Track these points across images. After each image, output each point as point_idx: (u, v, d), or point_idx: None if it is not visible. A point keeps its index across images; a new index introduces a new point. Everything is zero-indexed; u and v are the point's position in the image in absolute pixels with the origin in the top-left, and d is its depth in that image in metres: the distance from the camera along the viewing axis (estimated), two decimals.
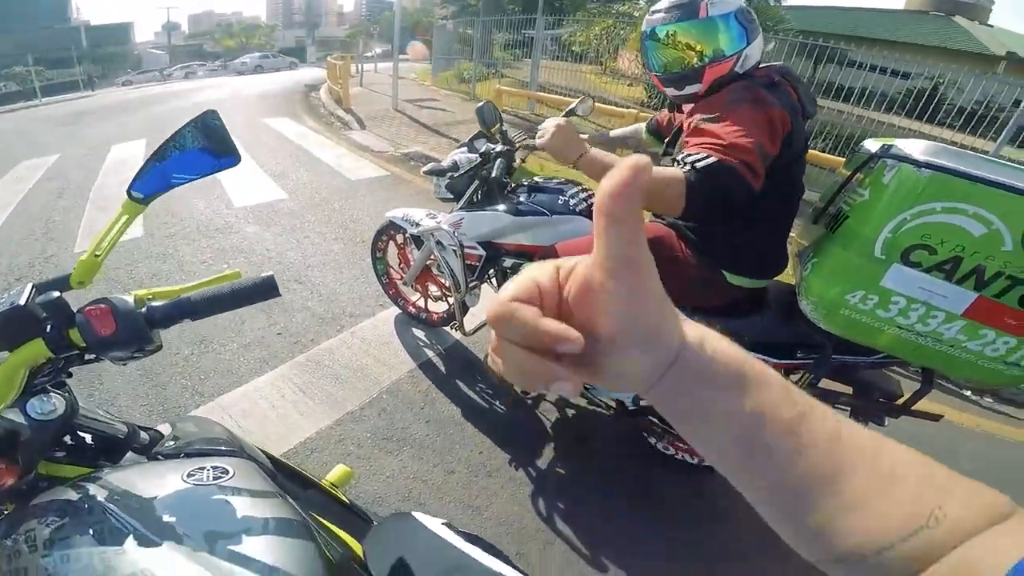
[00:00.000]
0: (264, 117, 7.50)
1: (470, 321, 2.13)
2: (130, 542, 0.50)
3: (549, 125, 1.29)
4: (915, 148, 1.08)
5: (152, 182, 0.60)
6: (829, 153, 4.87)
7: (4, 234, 4.00)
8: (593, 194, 1.74)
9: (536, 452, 1.89)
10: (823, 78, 5.85)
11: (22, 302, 0.53)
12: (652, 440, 1.82)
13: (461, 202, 1.82)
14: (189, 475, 0.58)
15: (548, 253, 1.54)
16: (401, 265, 2.43)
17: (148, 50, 45.43)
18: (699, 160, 1.11)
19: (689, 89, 1.35)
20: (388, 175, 5.09)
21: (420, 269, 2.20)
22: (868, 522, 0.24)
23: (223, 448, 0.71)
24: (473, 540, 0.64)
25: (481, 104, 1.84)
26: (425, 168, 1.88)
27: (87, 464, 0.65)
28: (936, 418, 1.53)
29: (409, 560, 0.61)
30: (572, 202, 1.69)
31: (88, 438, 0.68)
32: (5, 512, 0.61)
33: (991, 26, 16.96)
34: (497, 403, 2.10)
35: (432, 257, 2.04)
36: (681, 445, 1.83)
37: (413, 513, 0.69)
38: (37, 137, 9.23)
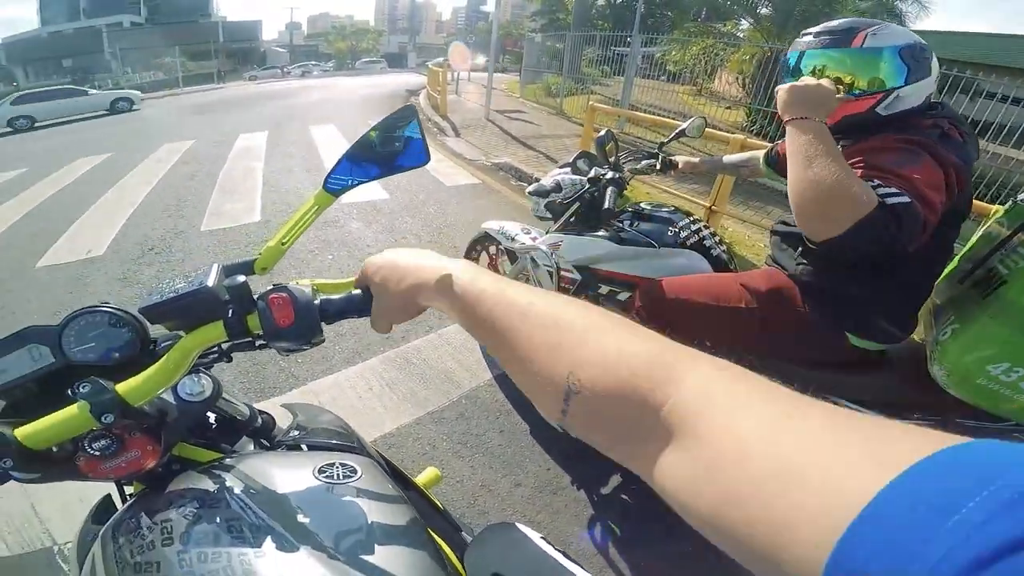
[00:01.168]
0: (370, 118, 7.98)
1: None
2: (269, 544, 0.49)
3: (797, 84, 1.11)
4: None
5: (344, 176, 0.59)
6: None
7: (143, 208, 4.59)
8: (705, 226, 1.68)
9: (601, 477, 1.86)
10: (959, 112, 5.22)
11: (210, 283, 0.52)
12: None
13: (559, 223, 1.80)
14: (320, 471, 0.58)
15: (651, 287, 1.47)
16: None
17: (272, 48, 49.87)
18: (891, 195, 0.95)
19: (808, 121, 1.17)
20: (480, 183, 5.25)
21: None
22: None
23: (345, 443, 0.71)
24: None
25: (602, 132, 1.79)
26: (529, 188, 1.89)
27: (210, 446, 0.66)
28: None
29: (510, 573, 0.59)
30: (683, 234, 1.62)
31: (212, 419, 0.69)
32: (132, 496, 0.62)
33: None
34: None
35: (525, 273, 2.05)
36: None
37: (517, 524, 0.67)
38: (178, 123, 10.49)
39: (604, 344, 0.34)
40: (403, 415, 2.03)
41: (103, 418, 0.48)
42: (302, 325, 0.51)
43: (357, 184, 0.59)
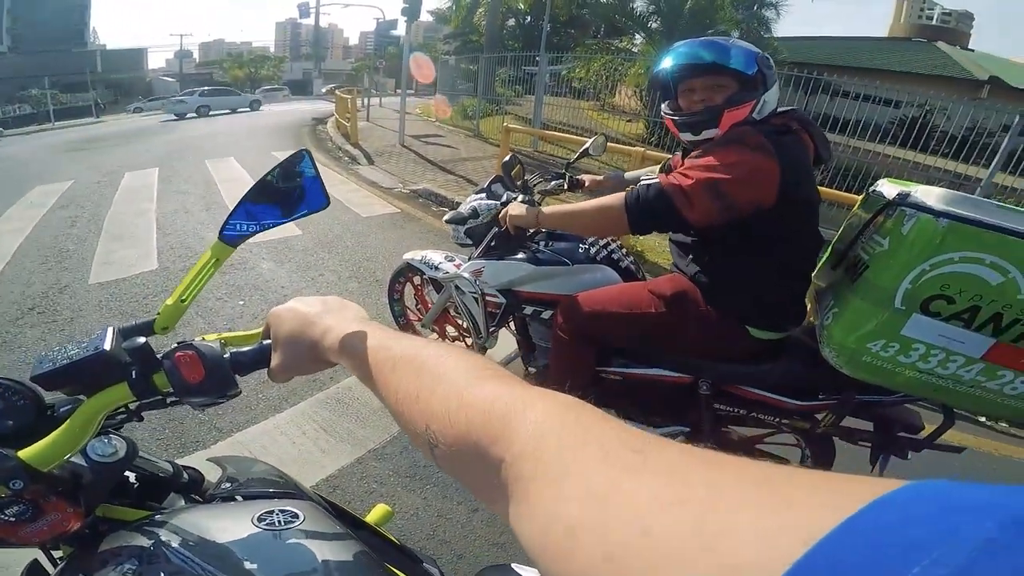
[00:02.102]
0: (274, 150, 7.63)
1: None
2: None
3: (504, 212, 1.57)
4: (932, 196, 1.08)
5: (242, 224, 0.57)
6: (829, 186, 4.84)
7: (17, 262, 4.01)
8: (613, 240, 1.78)
9: None
10: (817, 109, 5.88)
11: (107, 347, 0.51)
12: None
13: (480, 249, 1.83)
14: (259, 519, 0.56)
15: (569, 303, 1.55)
16: (418, 306, 2.43)
17: (160, 77, 46.24)
18: (647, 186, 1.27)
19: (706, 134, 1.34)
20: (398, 212, 5.16)
21: (439, 312, 2.21)
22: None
23: (281, 490, 0.69)
24: None
25: (507, 158, 1.87)
26: (446, 217, 1.90)
27: (135, 505, 0.64)
28: (959, 450, 1.55)
29: None
30: (592, 250, 1.71)
31: (132, 477, 0.67)
32: (62, 559, 0.59)
33: (972, 51, 16.91)
34: None
35: (450, 301, 2.05)
36: None
37: (513, 565, 0.67)
38: (50, 162, 9.36)
39: (449, 393, 0.33)
40: (343, 456, 1.95)
41: (11, 484, 0.46)
42: (214, 380, 0.51)
43: (255, 232, 0.58)
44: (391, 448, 2.02)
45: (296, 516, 0.58)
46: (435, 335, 2.42)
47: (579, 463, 0.23)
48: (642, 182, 1.34)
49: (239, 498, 0.67)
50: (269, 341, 0.53)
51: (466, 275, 1.81)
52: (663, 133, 7.14)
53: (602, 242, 1.75)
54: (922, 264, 1.06)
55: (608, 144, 2.94)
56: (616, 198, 1.32)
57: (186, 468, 0.72)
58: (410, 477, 1.88)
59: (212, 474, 0.76)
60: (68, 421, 0.49)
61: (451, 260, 1.98)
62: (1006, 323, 1.05)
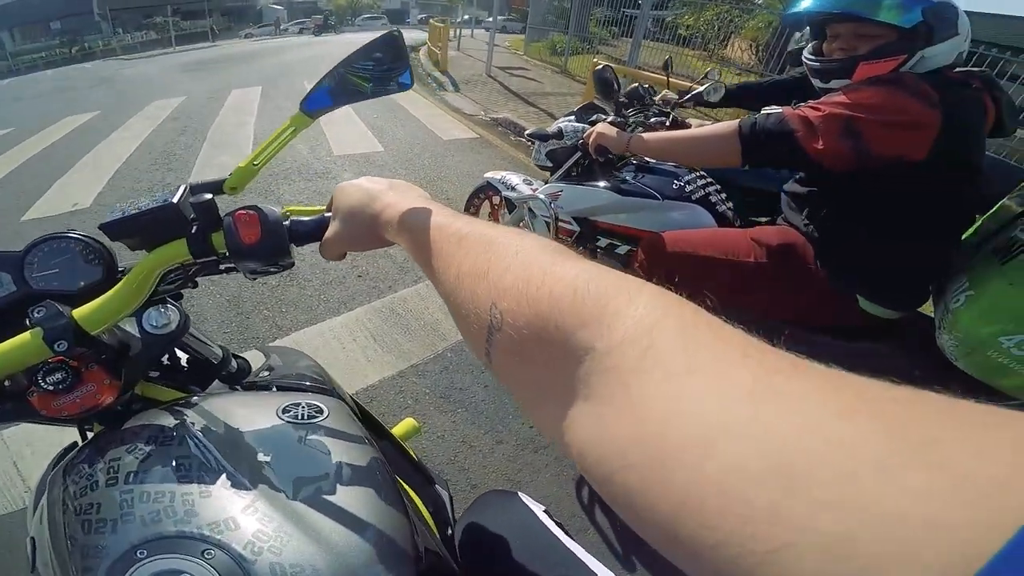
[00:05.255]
0: None
1: None
2: (219, 483, 0.46)
3: (591, 132, 1.41)
4: None
5: (323, 98, 0.55)
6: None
7: (131, 163, 4.47)
8: (712, 182, 1.59)
9: None
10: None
11: (176, 200, 0.50)
12: None
13: (559, 172, 1.72)
14: (284, 411, 0.55)
15: (654, 240, 1.40)
16: None
17: (269, 5, 48.23)
18: (768, 114, 1.12)
19: (835, 83, 1.15)
20: (477, 138, 5.09)
21: None
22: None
23: (316, 385, 0.68)
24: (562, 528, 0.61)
25: (601, 67, 1.69)
26: (529, 131, 1.78)
27: (178, 387, 0.63)
28: None
29: (508, 540, 0.58)
30: (688, 188, 1.53)
31: (183, 359, 0.66)
32: (91, 433, 0.58)
33: None
34: None
35: (522, 225, 1.97)
36: None
37: (520, 494, 0.66)
38: (168, 81, 10.21)
39: (529, 267, 0.27)
40: (386, 367, 1.99)
41: (56, 345, 0.46)
42: (269, 243, 0.50)
43: (337, 106, 0.56)
44: (433, 366, 2.02)
45: (320, 411, 0.57)
46: None
47: (714, 358, 0.18)
48: (763, 111, 1.17)
49: (274, 388, 0.67)
50: (330, 214, 0.50)
51: (541, 196, 1.71)
52: None
53: (700, 182, 1.56)
54: None
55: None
56: (729, 125, 1.16)
57: (237, 356, 0.72)
58: (444, 398, 1.88)
59: (259, 364, 0.76)
60: (124, 279, 0.49)
61: (529, 184, 1.90)
62: None
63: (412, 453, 0.80)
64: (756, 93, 1.80)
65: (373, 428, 0.73)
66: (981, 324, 1.04)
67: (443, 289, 0.33)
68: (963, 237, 1.21)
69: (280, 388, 0.66)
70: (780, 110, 1.12)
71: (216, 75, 10.58)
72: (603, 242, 1.65)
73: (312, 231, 0.52)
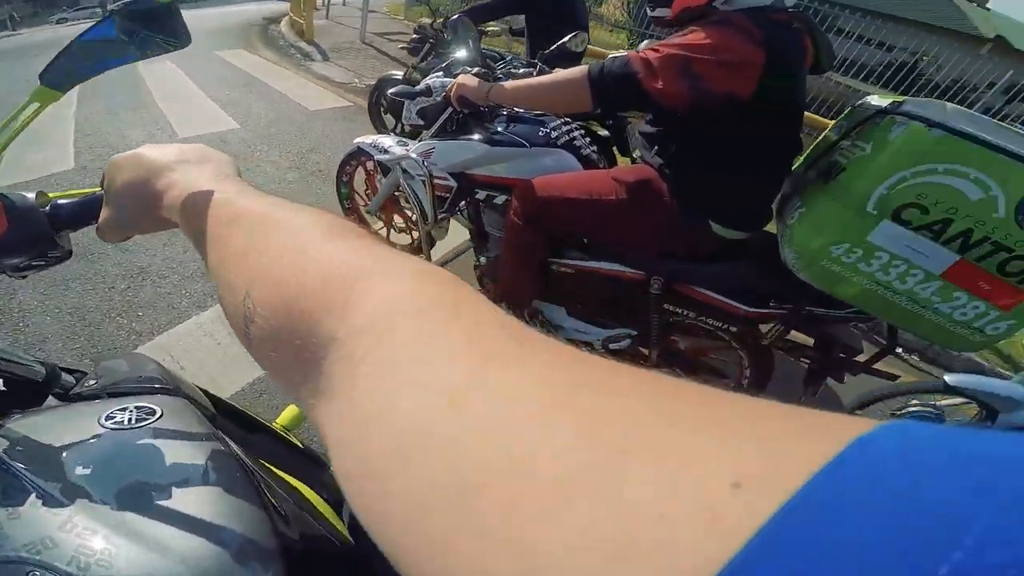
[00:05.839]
0: (216, 50, 6.67)
1: (435, 255, 2.04)
2: (30, 504, 0.43)
3: (452, 84, 1.44)
4: (928, 107, 1.06)
5: (71, 64, 0.46)
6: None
7: None
8: (577, 127, 1.64)
9: None
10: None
11: None
12: None
13: (432, 129, 1.68)
14: (107, 418, 0.51)
15: (525, 187, 1.45)
16: (368, 192, 2.29)
17: None
18: (614, 58, 1.19)
19: (659, 11, 1.29)
20: (351, 105, 4.75)
21: (385, 199, 2.07)
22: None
23: (151, 387, 0.63)
24: None
25: (454, 17, 1.67)
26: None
27: None
28: (894, 377, 1.57)
29: None
30: (554, 134, 1.58)
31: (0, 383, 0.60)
32: None
33: (988, 9, 17.19)
34: None
35: (400, 188, 1.91)
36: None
37: None
38: None
39: (282, 251, 0.24)
40: None
41: None
42: (21, 233, 0.45)
43: (94, 74, 0.48)
44: None
45: (152, 412, 0.53)
46: (380, 225, 2.29)
47: (435, 346, 0.17)
48: (610, 55, 1.23)
49: (106, 397, 0.62)
50: (102, 191, 0.43)
51: (414, 155, 1.67)
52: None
53: (565, 128, 1.62)
54: (904, 171, 1.05)
55: (588, 47, 2.72)
56: (579, 70, 1.23)
57: (71, 371, 0.67)
58: None
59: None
60: None
61: (403, 144, 1.83)
62: (974, 240, 1.05)
63: (296, 441, 0.77)
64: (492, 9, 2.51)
65: (243, 422, 0.70)
66: (812, 236, 1.18)
67: (212, 276, 0.28)
68: (795, 165, 1.37)
69: (111, 395, 0.61)
70: (625, 53, 1.20)
71: (25, 66, 8.64)
72: (482, 194, 1.66)
73: (81, 214, 0.47)
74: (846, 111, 1.33)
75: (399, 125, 3.70)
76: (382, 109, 3.65)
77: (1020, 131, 1.04)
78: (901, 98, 1.13)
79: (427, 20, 3.18)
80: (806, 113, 3.57)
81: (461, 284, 0.21)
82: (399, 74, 3.46)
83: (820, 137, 1.36)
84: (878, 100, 1.20)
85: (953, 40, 6.34)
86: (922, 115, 1.04)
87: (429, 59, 3.24)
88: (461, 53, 1.70)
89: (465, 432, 0.13)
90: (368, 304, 0.19)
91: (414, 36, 3.36)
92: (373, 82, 3.75)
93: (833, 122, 1.35)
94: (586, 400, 0.13)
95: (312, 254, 0.23)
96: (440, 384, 0.15)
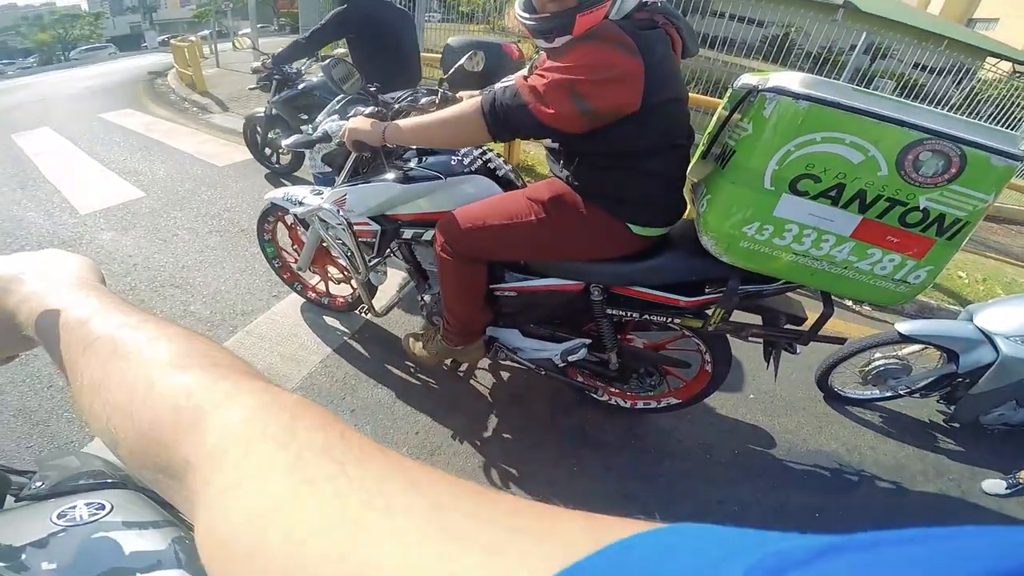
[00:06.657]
0: (101, 112, 6.21)
1: (380, 300, 1.99)
2: None
3: (346, 125, 1.40)
4: (791, 80, 1.10)
5: None
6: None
7: None
8: (489, 150, 1.63)
9: (477, 420, 1.86)
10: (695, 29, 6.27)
11: None
12: (584, 390, 1.87)
13: (342, 175, 1.62)
14: (59, 516, 0.53)
15: (447, 220, 1.43)
16: (294, 247, 2.19)
17: None
18: (505, 88, 1.18)
19: (559, 41, 1.18)
20: None
21: (313, 252, 1.99)
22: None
23: (100, 482, 0.63)
24: None
25: (326, 61, 1.59)
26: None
27: None
28: (841, 341, 1.65)
29: None
30: (467, 160, 1.56)
31: None
32: None
33: None
34: (427, 379, 2.02)
35: (324, 240, 1.83)
36: (612, 390, 1.88)
37: None
38: None
39: (136, 382, 0.26)
40: None
41: None
42: None
43: None
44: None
45: (102, 507, 0.54)
46: (317, 279, 2.20)
47: (260, 470, 0.20)
48: (500, 83, 1.22)
49: (56, 496, 0.62)
50: None
51: (327, 205, 1.60)
52: None
53: (477, 151, 1.60)
54: (786, 145, 1.09)
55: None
56: (472, 104, 1.21)
57: (22, 473, 0.68)
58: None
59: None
60: None
61: (317, 193, 1.75)
62: (870, 199, 1.10)
63: None
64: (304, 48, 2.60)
65: None
66: (722, 220, 1.21)
67: (78, 406, 0.29)
68: (696, 154, 1.39)
69: (59, 494, 0.62)
70: (513, 81, 1.18)
71: None
72: (408, 233, 1.61)
73: None
74: (728, 93, 1.36)
75: (276, 155, 3.81)
76: (257, 146, 3.86)
77: (878, 94, 1.10)
78: (767, 74, 1.17)
79: (263, 56, 3.15)
80: (700, 96, 3.81)
81: (310, 408, 0.23)
82: (261, 110, 3.53)
83: (711, 122, 1.37)
84: (749, 78, 1.22)
85: (810, 11, 7.00)
86: (788, 89, 1.07)
87: (285, 91, 3.26)
88: (340, 98, 1.64)
89: (267, 540, 0.18)
90: (212, 431, 0.22)
91: (260, 76, 3.30)
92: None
93: (723, 102, 1.38)
94: (374, 515, 0.17)
95: (161, 388, 0.25)
96: (259, 502, 0.19)
